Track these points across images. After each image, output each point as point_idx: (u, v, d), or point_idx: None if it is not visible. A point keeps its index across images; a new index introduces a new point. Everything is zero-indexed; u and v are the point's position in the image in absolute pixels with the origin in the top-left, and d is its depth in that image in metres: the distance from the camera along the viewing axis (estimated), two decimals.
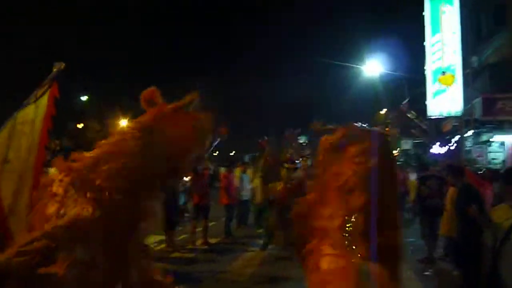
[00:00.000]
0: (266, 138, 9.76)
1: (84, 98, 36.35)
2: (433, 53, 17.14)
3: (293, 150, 9.89)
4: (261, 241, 9.42)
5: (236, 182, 11.38)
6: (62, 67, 4.60)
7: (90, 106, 37.39)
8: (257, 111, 48.11)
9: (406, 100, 26.73)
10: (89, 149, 2.67)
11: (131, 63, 43.48)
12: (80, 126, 36.26)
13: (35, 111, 3.75)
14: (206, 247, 9.40)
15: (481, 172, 10.52)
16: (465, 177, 5.62)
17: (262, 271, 7.53)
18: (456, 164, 8.87)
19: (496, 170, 10.75)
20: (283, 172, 8.91)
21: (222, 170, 12.84)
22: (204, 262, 8.22)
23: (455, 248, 5.15)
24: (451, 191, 5.55)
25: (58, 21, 34.12)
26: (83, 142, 32.49)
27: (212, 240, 9.88)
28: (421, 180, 8.92)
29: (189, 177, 9.93)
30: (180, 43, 59.93)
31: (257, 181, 10.51)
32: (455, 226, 5.42)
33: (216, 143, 10.88)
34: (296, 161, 9.45)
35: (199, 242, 9.57)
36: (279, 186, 8.58)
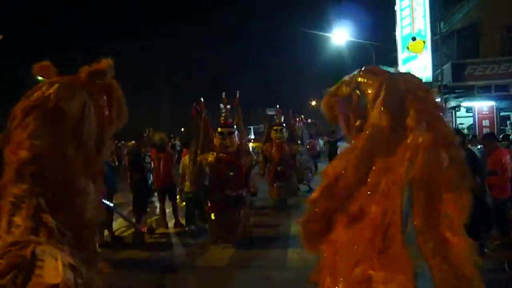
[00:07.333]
0: (202, 100, 7.66)
1: None
2: (403, 18, 16.82)
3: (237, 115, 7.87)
4: None
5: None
6: None
7: None
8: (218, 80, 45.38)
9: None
10: None
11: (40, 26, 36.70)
12: None
13: None
14: (179, 229, 8.52)
15: None
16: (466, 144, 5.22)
17: (240, 253, 6.88)
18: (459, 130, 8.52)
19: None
20: (216, 139, 7.31)
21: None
22: (179, 246, 7.51)
23: None
24: None
25: None
26: None
27: (184, 221, 8.89)
28: None
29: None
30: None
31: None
32: None
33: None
34: (232, 125, 7.53)
35: (171, 223, 8.73)
36: (211, 156, 7.13)
